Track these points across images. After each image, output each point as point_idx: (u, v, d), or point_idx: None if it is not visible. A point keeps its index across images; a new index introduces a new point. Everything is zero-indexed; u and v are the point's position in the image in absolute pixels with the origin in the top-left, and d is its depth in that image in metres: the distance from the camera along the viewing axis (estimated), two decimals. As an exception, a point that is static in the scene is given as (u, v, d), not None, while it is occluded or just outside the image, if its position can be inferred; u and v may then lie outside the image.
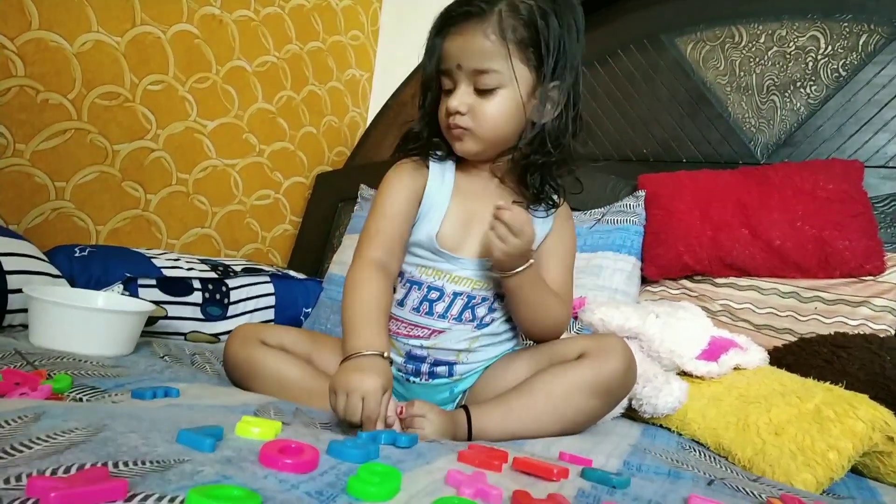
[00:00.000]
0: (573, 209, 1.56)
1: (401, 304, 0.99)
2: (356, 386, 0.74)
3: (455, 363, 0.97)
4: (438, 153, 1.01)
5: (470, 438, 0.84)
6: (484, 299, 0.98)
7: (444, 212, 0.98)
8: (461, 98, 0.92)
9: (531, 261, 0.91)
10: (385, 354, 0.82)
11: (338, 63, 2.25)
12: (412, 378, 0.98)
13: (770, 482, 0.78)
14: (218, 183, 1.84)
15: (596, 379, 0.87)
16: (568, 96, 0.94)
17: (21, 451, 0.43)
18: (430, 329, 0.96)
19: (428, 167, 1.00)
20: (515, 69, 0.91)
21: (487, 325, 0.98)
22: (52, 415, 0.52)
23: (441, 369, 0.97)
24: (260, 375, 0.92)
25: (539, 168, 0.97)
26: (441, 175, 1.00)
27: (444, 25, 0.92)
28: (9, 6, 1.31)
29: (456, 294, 0.97)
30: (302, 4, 2.06)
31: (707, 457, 0.91)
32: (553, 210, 1.01)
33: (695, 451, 0.93)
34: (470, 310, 0.97)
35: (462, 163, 1.02)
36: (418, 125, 1.01)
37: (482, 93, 0.92)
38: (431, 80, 0.95)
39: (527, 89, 0.92)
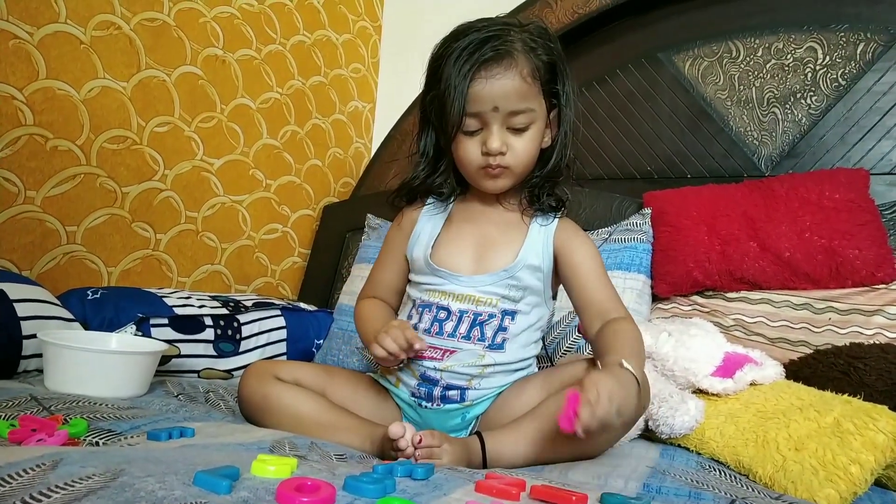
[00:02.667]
0: (580, 229, 1.58)
1: (414, 327, 1.01)
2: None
3: (467, 388, 0.97)
4: (443, 191, 1.08)
5: (485, 465, 0.84)
6: (491, 316, 0.99)
7: (434, 235, 1.05)
8: (501, 138, 0.95)
9: (636, 379, 0.83)
10: None
11: (340, 96, 2.28)
12: (424, 403, 0.99)
13: (793, 499, 0.77)
14: (226, 219, 1.86)
15: None
16: (562, 123, 1.01)
17: (40, 501, 0.44)
18: (442, 349, 0.98)
19: (424, 204, 1.10)
20: (541, 106, 0.97)
21: (500, 346, 0.99)
22: (69, 461, 0.52)
23: (453, 393, 0.97)
24: (275, 411, 0.92)
25: (545, 186, 1.04)
26: (433, 208, 1.09)
27: (472, 69, 0.91)
28: (17, 58, 1.33)
29: (462, 312, 0.99)
30: (302, 41, 2.09)
31: (727, 476, 0.90)
32: (557, 214, 1.06)
33: (715, 470, 0.92)
34: (478, 327, 0.98)
35: (460, 194, 1.10)
36: (423, 172, 1.06)
37: (516, 131, 0.96)
38: (456, 122, 0.94)
39: (545, 122, 1.00)
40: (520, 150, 0.96)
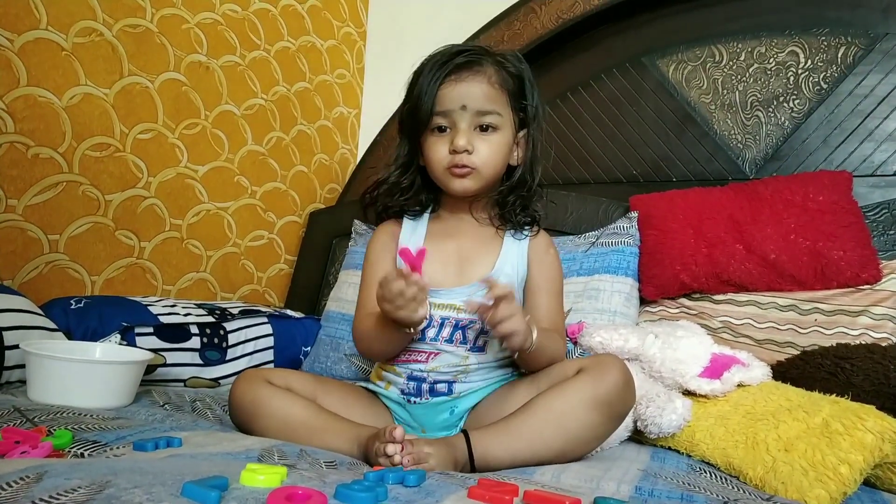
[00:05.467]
0: (567, 233, 1.59)
1: None
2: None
3: (454, 381, 1.01)
4: (416, 209, 1.11)
5: (472, 462, 0.85)
6: (472, 321, 1.02)
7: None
8: (467, 137, 1.00)
9: (534, 333, 0.93)
10: None
11: (325, 102, 2.27)
12: (413, 398, 1.02)
13: (784, 500, 0.78)
14: (211, 226, 1.84)
15: (595, 391, 0.88)
16: (531, 143, 1.07)
17: (24, 514, 0.43)
18: (426, 353, 1.02)
19: (401, 224, 1.12)
20: (509, 115, 1.03)
21: (481, 348, 1.03)
22: (54, 473, 0.51)
23: (441, 386, 1.01)
24: (265, 415, 0.91)
25: (516, 204, 1.08)
26: (413, 227, 1.11)
27: (444, 74, 0.99)
28: (-3, 64, 1.32)
29: (444, 319, 1.02)
30: (287, 47, 2.08)
31: (718, 478, 0.90)
32: (529, 230, 1.11)
33: (706, 472, 0.92)
34: (460, 331, 1.02)
35: (434, 211, 1.14)
36: (394, 175, 1.09)
37: (483, 132, 1.02)
38: (425, 120, 1.01)
39: (513, 135, 1.06)
40: (485, 152, 1.01)
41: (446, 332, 1.02)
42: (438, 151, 1.02)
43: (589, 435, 0.89)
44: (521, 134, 1.08)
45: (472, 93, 0.99)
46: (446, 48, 1.04)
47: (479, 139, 1.01)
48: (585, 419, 0.88)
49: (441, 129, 1.02)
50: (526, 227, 1.11)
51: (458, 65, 1.00)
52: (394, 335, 0.98)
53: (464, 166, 1.01)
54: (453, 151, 1.00)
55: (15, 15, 1.34)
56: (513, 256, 1.08)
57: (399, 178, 1.10)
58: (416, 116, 1.02)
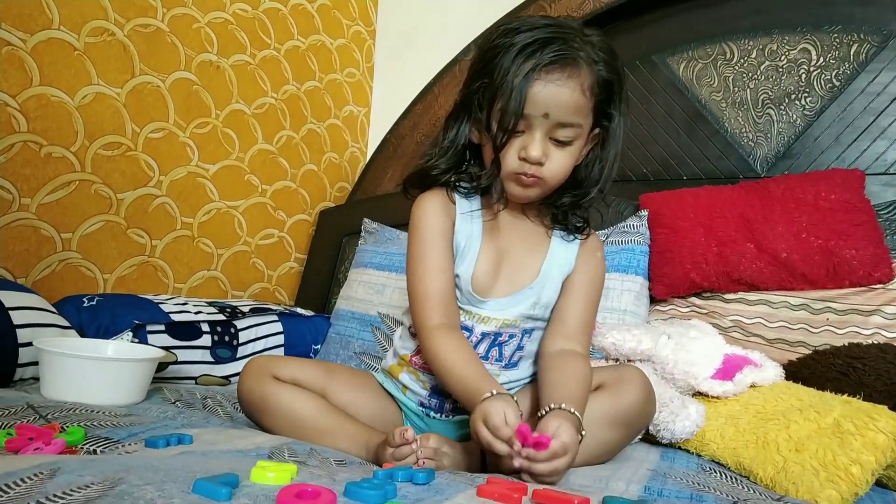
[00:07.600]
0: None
1: None
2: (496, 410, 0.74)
3: None
4: (465, 186, 0.98)
5: (485, 470, 0.83)
6: (511, 336, 0.97)
7: (476, 252, 0.96)
8: (542, 147, 0.87)
9: (583, 432, 0.79)
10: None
11: (335, 100, 2.27)
12: (433, 413, 0.98)
13: (794, 501, 0.77)
14: (222, 225, 1.85)
15: (615, 409, 0.86)
16: (608, 142, 0.94)
17: (38, 511, 0.43)
18: None
19: (454, 202, 0.98)
20: (589, 123, 0.91)
21: (515, 364, 0.98)
22: (67, 470, 0.51)
23: None
24: (273, 412, 0.91)
25: (569, 206, 0.98)
26: (469, 212, 0.98)
27: (534, 69, 0.84)
28: (10, 65, 1.33)
29: (484, 334, 0.96)
30: (297, 46, 2.09)
31: (728, 478, 0.90)
32: (581, 234, 1.01)
33: (716, 472, 0.92)
34: (497, 348, 0.97)
35: (485, 196, 0.99)
36: (447, 163, 0.97)
37: (558, 143, 0.88)
38: (511, 125, 0.85)
39: (586, 139, 0.93)
40: (557, 164, 0.89)
41: (482, 348, 0.96)
42: (507, 155, 0.89)
43: (606, 450, 0.88)
44: (597, 130, 0.94)
45: (559, 100, 0.85)
46: (532, 23, 0.87)
47: (553, 149, 0.88)
48: (603, 437, 0.86)
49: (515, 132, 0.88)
50: (577, 231, 1.01)
51: (550, 62, 0.84)
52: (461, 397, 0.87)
53: (532, 176, 0.89)
54: (524, 159, 0.88)
55: (28, 15, 1.36)
56: (560, 259, 0.99)
57: (454, 165, 0.97)
58: (500, 114, 0.86)
